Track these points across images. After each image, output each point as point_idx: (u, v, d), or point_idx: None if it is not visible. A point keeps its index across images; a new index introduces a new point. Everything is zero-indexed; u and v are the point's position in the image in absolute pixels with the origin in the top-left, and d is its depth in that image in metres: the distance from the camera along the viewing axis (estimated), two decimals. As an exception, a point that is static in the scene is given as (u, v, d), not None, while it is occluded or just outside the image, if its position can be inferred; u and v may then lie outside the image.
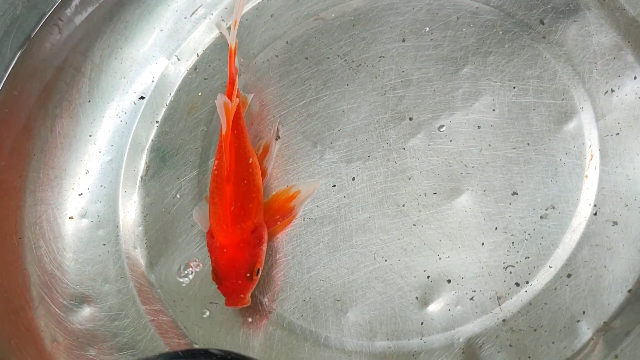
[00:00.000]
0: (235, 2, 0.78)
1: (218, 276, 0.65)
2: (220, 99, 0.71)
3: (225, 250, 0.66)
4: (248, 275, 0.65)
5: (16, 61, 0.77)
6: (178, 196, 0.77)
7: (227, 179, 0.68)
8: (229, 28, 0.78)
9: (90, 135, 0.80)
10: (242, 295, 0.65)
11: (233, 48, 0.77)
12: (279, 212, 0.72)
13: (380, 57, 0.79)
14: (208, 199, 0.72)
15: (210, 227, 0.68)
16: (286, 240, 0.73)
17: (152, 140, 0.81)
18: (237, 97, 0.74)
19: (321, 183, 0.75)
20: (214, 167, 0.71)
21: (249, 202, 0.68)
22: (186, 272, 0.74)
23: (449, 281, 0.68)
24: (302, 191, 0.73)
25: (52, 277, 0.72)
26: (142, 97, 0.81)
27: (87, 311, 0.72)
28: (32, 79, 0.79)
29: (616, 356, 0.61)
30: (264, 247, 0.68)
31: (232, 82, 0.75)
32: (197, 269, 0.74)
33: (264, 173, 0.74)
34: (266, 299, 0.70)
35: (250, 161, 0.71)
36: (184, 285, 0.74)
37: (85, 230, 0.76)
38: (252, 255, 0.66)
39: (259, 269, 0.66)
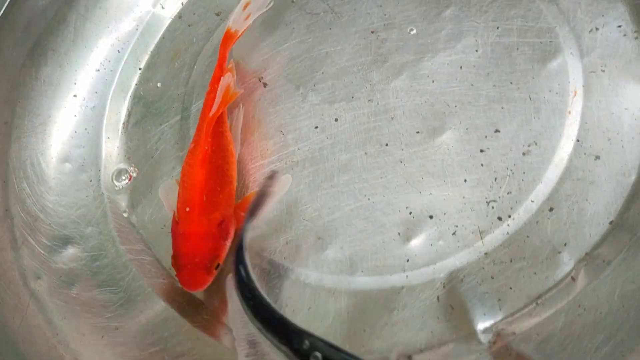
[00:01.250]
0: None
1: (177, 263, 0.63)
2: (228, 79, 0.70)
3: (188, 239, 0.63)
4: (207, 268, 0.62)
5: (1, 11, 0.77)
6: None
7: (201, 164, 0.66)
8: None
9: (74, 83, 0.80)
10: (198, 287, 0.63)
11: (232, 31, 0.75)
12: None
13: (363, -1, 0.79)
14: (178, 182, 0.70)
15: (177, 211, 0.66)
16: (268, 181, 0.72)
17: (135, 86, 0.82)
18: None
19: (304, 124, 0.74)
20: (190, 149, 0.68)
21: (220, 192, 0.66)
22: (123, 177, 0.75)
23: (431, 217, 0.68)
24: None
25: (36, 219, 0.72)
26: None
27: (70, 251, 0.72)
28: (16, 28, 0.79)
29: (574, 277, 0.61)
30: (228, 243, 0.65)
31: (221, 65, 0.73)
32: (134, 174, 0.74)
33: None
34: (247, 237, 0.70)
35: (228, 150, 0.69)
36: (117, 189, 0.75)
37: (68, 174, 0.76)
38: (214, 249, 0.63)
39: (219, 264, 0.64)
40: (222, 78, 0.71)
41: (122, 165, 0.76)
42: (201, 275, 0.62)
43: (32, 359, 0.65)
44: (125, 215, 0.74)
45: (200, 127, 0.68)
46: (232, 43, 0.75)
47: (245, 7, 0.76)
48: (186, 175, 0.66)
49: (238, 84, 0.76)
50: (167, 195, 0.70)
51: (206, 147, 0.66)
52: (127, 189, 0.75)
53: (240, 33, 0.76)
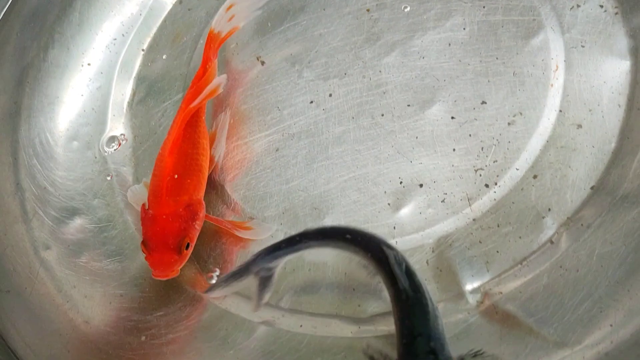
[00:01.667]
0: None
1: (147, 246, 0.64)
2: (220, 80, 0.73)
3: (155, 220, 0.64)
4: (177, 248, 0.64)
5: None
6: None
7: (170, 151, 0.68)
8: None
9: (81, 65, 0.84)
10: (169, 269, 0.64)
11: (215, 32, 0.76)
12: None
13: (356, -19, 0.82)
14: (147, 184, 0.71)
15: (147, 199, 0.68)
16: (265, 154, 0.76)
17: (139, 67, 0.85)
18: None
19: (300, 100, 0.78)
20: (164, 141, 0.70)
21: (187, 177, 0.68)
22: (112, 144, 0.80)
23: (421, 185, 0.71)
24: (254, 229, 0.71)
25: (45, 192, 0.76)
26: None
27: (77, 222, 0.75)
28: (24, 13, 0.83)
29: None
30: (198, 225, 0.67)
31: (204, 65, 0.75)
32: (123, 142, 0.79)
33: (211, 161, 0.73)
34: (247, 208, 0.74)
35: (199, 141, 0.71)
36: (106, 154, 0.79)
37: (75, 151, 0.80)
38: (182, 229, 0.65)
39: (188, 244, 0.65)
40: (215, 78, 0.73)
41: (113, 133, 0.81)
42: (170, 255, 0.64)
43: (44, 323, 0.69)
44: (108, 179, 0.78)
45: (176, 119, 0.70)
46: (216, 44, 0.77)
47: (228, 8, 0.77)
48: (156, 165, 0.69)
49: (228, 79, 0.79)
50: (135, 198, 0.72)
51: (177, 137, 0.68)
52: (130, 163, 0.79)
53: (225, 34, 0.77)
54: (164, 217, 0.65)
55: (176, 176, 0.67)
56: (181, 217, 0.65)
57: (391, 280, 0.58)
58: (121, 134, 0.80)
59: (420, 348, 0.53)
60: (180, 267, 0.65)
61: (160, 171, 0.67)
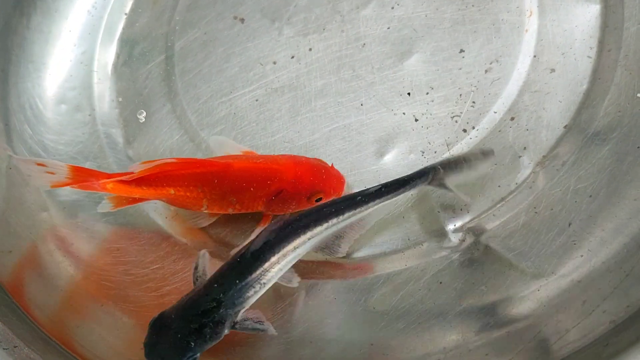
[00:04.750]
0: None
1: (326, 187, 0.66)
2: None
3: (303, 175, 0.66)
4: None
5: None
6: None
7: (225, 164, 0.65)
8: None
9: (64, 30, 0.85)
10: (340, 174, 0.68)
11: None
12: None
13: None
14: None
15: (271, 186, 0.65)
16: (250, 109, 0.78)
17: (122, 30, 0.86)
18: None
19: (281, 55, 0.80)
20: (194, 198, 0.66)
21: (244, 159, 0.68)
22: None
23: (403, 133, 0.74)
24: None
25: (38, 157, 0.78)
26: None
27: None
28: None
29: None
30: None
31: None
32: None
33: None
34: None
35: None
36: None
37: (64, 115, 0.81)
38: (293, 162, 0.67)
39: None
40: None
41: None
42: (335, 170, 0.68)
43: (45, 280, 0.71)
44: None
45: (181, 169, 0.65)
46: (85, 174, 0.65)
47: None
48: (234, 184, 0.65)
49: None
50: None
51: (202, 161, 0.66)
52: (119, 124, 0.81)
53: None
54: (300, 167, 0.66)
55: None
56: (289, 158, 0.68)
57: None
58: None
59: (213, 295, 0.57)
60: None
61: (245, 170, 0.65)
